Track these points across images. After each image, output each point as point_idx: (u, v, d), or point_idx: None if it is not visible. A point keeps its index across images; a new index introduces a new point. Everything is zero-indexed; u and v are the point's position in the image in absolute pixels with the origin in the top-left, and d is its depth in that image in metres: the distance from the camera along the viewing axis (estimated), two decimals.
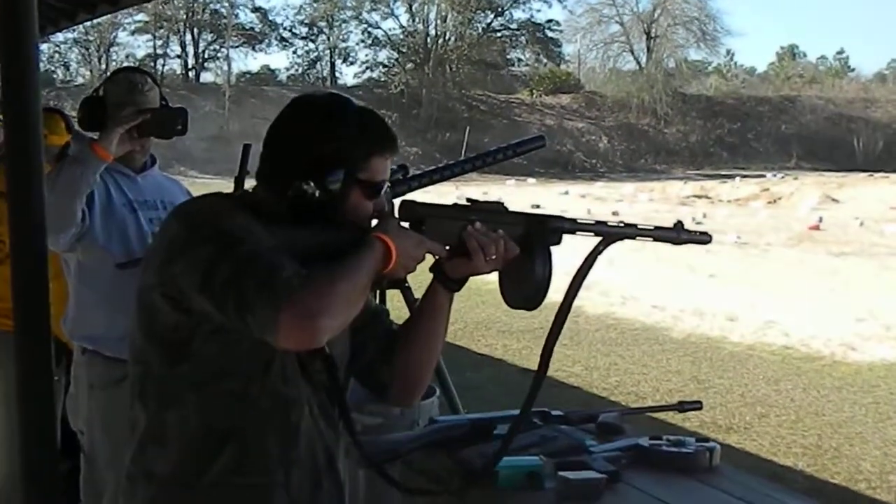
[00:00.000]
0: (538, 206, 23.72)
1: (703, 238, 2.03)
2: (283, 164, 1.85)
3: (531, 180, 39.82)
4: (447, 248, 1.93)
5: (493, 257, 1.90)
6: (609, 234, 1.97)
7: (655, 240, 1.99)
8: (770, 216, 24.29)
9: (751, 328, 10.64)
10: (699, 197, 30.96)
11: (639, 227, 1.99)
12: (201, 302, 1.72)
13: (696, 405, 2.81)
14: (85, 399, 3.22)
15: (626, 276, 13.59)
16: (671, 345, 9.87)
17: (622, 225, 1.99)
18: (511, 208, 1.99)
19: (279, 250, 1.71)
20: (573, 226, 1.96)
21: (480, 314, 10.80)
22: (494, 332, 10.00)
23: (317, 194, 1.82)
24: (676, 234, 1.99)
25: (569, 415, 2.68)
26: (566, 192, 31.94)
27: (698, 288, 13.29)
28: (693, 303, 12.03)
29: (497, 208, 1.97)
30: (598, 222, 1.98)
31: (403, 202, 1.94)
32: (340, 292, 1.66)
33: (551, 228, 1.95)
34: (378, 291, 3.20)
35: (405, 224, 1.90)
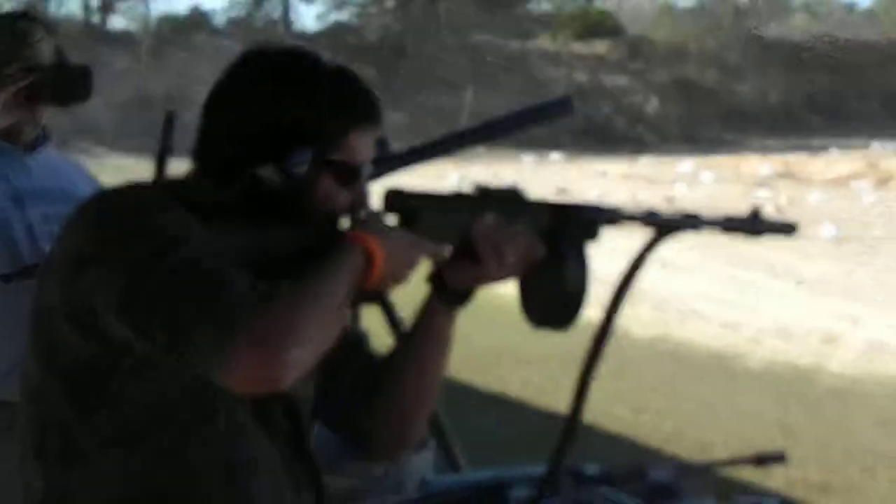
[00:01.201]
0: (564, 192, 23.76)
1: (787, 228, 2.04)
2: (231, 142, 1.85)
3: (555, 156, 39.85)
4: (448, 250, 1.93)
5: (511, 261, 1.90)
6: (664, 225, 1.98)
7: (725, 231, 2.00)
8: (878, 201, 24.32)
9: (854, 353, 10.66)
10: (782, 176, 31.01)
11: (701, 216, 2.00)
12: (121, 328, 1.70)
13: (780, 457, 2.82)
14: None
15: (686, 285, 13.61)
16: (747, 377, 9.89)
17: (680, 215, 1.99)
18: (530, 195, 1.99)
19: (227, 257, 1.70)
20: (615, 215, 1.95)
21: (490, 338, 10.81)
22: (509, 362, 10.02)
23: (276, 181, 1.82)
24: (752, 224, 2.00)
25: (609, 471, 2.69)
26: (603, 173, 32.00)
27: (783, 299, 13.30)
28: (777, 319, 12.04)
29: (513, 196, 1.98)
30: (647, 212, 1.99)
31: (389, 191, 1.95)
32: (311, 313, 1.65)
33: (586, 220, 1.95)
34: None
35: (392, 220, 1.90)
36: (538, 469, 2.64)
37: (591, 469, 2.67)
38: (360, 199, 1.93)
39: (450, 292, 1.97)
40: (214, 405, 1.80)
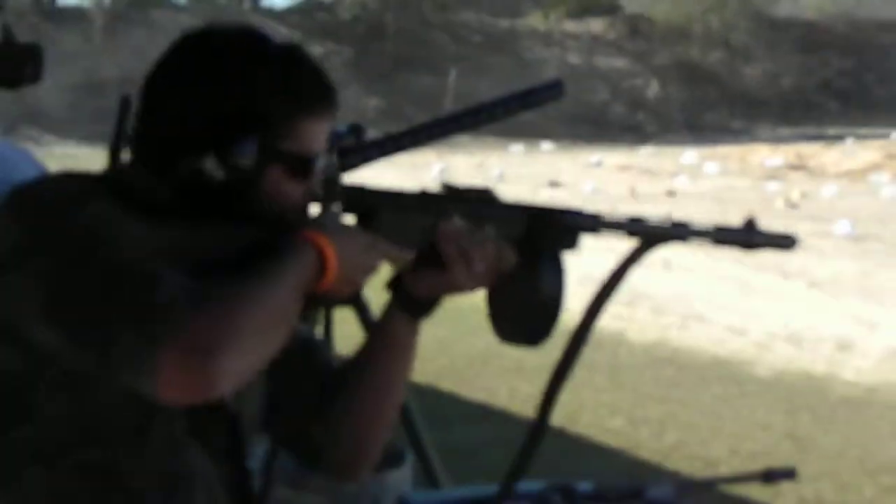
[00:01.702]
0: (557, 185, 23.77)
1: (785, 242, 2.04)
2: (170, 130, 1.83)
3: (546, 145, 39.91)
4: (412, 254, 1.93)
5: (479, 269, 1.90)
6: (648, 234, 1.98)
7: (716, 244, 2.01)
8: None
9: (871, 360, 10.70)
10: (795, 168, 31.08)
11: (691, 226, 2.00)
12: (44, 336, 1.68)
13: (790, 474, 2.83)
14: None
15: (688, 285, 13.63)
16: (755, 386, 9.92)
17: (668, 223, 1.99)
18: (507, 193, 2.00)
19: (160, 257, 1.67)
20: (596, 223, 1.96)
21: (475, 345, 10.81)
22: (495, 371, 10.03)
23: (219, 174, 1.80)
24: (747, 236, 2.01)
25: (604, 489, 2.70)
26: (598, 163, 32.03)
27: (795, 302, 13.33)
28: (787, 324, 12.07)
29: (485, 197, 1.98)
30: (632, 219, 1.99)
31: (347, 187, 1.94)
32: (250, 318, 1.63)
33: (563, 226, 1.96)
34: (323, 311, 3.21)
35: (349, 219, 1.89)
36: (525, 485, 2.65)
37: (585, 486, 2.68)
38: (313, 193, 1.91)
39: (412, 301, 1.97)
40: (147, 417, 1.78)
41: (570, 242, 1.95)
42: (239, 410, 1.90)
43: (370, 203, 1.92)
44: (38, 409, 1.75)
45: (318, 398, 2.05)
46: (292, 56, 1.90)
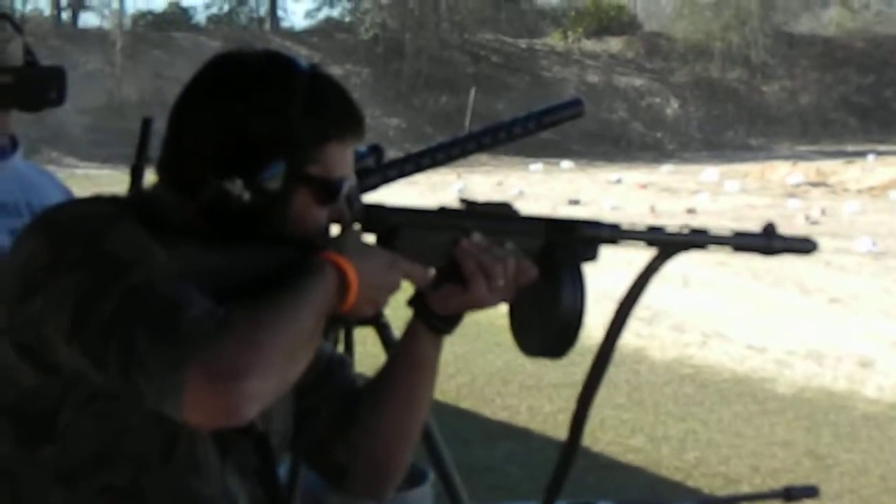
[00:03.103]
0: (577, 203, 23.76)
1: (805, 246, 2.05)
2: (196, 153, 1.83)
3: (566, 163, 39.83)
4: (432, 271, 1.93)
5: (500, 284, 1.90)
6: (668, 243, 1.98)
7: (736, 250, 2.01)
8: None
9: (893, 377, 10.65)
10: (815, 185, 30.99)
11: (711, 233, 2.00)
12: (71, 357, 1.68)
13: (811, 491, 2.83)
14: None
15: (708, 303, 13.58)
16: (776, 403, 9.88)
17: (686, 231, 2.00)
18: (526, 211, 1.99)
19: (185, 280, 1.68)
20: (615, 233, 1.97)
21: (495, 362, 10.80)
22: (516, 389, 10.01)
23: (246, 197, 1.80)
24: (767, 242, 2.01)
25: None
26: (618, 181, 31.99)
27: (815, 319, 13.29)
28: (808, 341, 12.03)
29: (504, 212, 1.98)
30: (651, 228, 1.99)
31: (366, 207, 1.93)
32: (274, 341, 1.63)
33: (583, 238, 1.96)
34: (344, 331, 3.22)
35: (370, 238, 1.89)
36: None
37: None
38: (341, 217, 1.91)
39: (434, 317, 1.97)
40: (173, 438, 1.78)
41: (590, 254, 1.95)
42: (267, 430, 1.90)
43: (389, 221, 1.91)
44: (64, 430, 1.75)
45: (341, 416, 2.05)
46: (320, 81, 1.89)
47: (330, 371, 2.08)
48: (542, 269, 1.92)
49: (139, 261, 1.68)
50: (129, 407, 1.70)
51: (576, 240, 1.95)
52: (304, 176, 1.84)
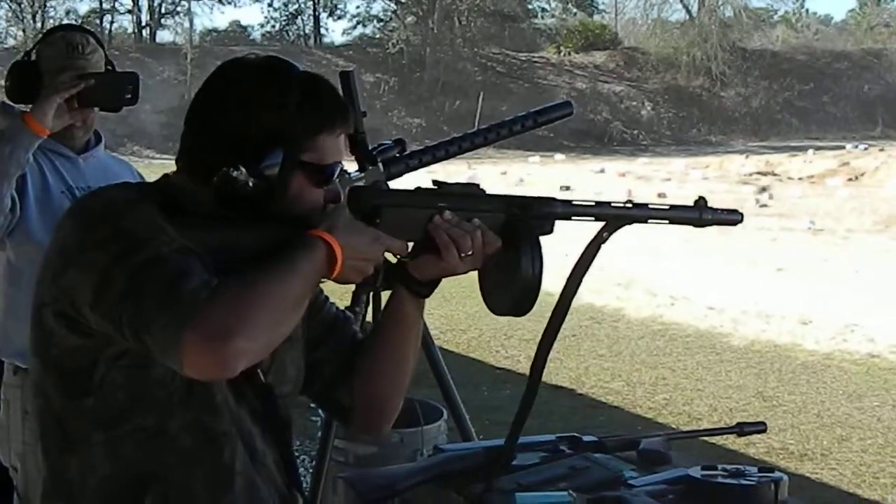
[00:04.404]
0: (568, 188, 23.71)
1: (733, 217, 2.02)
2: (207, 145, 1.83)
3: (559, 156, 39.73)
4: (410, 244, 1.92)
5: (469, 253, 1.89)
6: (612, 217, 1.96)
7: (671, 222, 1.98)
8: (851, 196, 24.18)
9: (828, 333, 10.62)
10: (764, 174, 30.87)
11: (650, 206, 1.97)
12: (97, 320, 1.70)
13: (760, 427, 2.80)
14: (18, 428, 3.22)
15: (676, 272, 13.56)
16: (731, 354, 9.86)
17: (629, 205, 1.97)
18: (488, 190, 1.98)
19: (192, 255, 1.69)
20: (566, 209, 1.95)
21: (499, 319, 10.73)
22: (517, 341, 9.99)
23: (249, 182, 1.80)
24: (698, 215, 1.98)
25: (604, 440, 2.68)
26: (601, 170, 31.87)
27: (763, 285, 13.25)
28: (757, 303, 12.00)
29: (471, 191, 1.96)
30: (598, 203, 1.97)
31: (351, 189, 1.93)
32: (262, 305, 1.64)
33: (538, 214, 1.94)
34: (370, 294, 3.19)
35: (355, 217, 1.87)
36: (545, 438, 2.63)
37: (589, 438, 2.66)
38: (336, 197, 1.91)
39: (414, 283, 1.96)
40: (190, 385, 1.78)
41: (547, 228, 1.93)
42: (270, 379, 1.91)
43: (371, 201, 1.89)
44: (100, 383, 1.77)
45: (344, 365, 2.06)
46: (312, 82, 1.88)
47: (336, 326, 2.09)
48: (505, 241, 1.91)
49: (153, 238, 1.69)
50: (153, 361, 1.71)
51: (532, 214, 1.93)
52: (299, 163, 1.83)
